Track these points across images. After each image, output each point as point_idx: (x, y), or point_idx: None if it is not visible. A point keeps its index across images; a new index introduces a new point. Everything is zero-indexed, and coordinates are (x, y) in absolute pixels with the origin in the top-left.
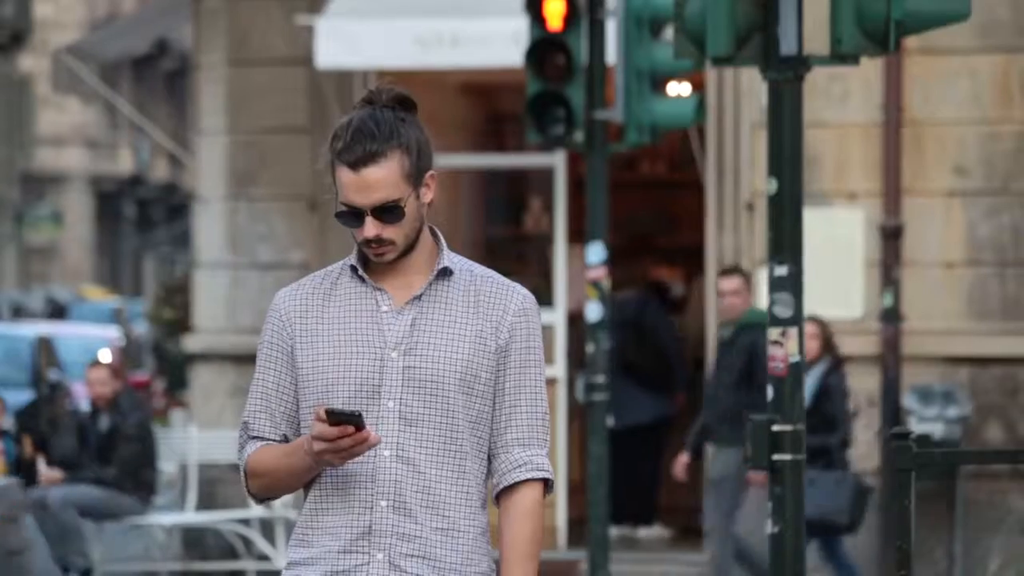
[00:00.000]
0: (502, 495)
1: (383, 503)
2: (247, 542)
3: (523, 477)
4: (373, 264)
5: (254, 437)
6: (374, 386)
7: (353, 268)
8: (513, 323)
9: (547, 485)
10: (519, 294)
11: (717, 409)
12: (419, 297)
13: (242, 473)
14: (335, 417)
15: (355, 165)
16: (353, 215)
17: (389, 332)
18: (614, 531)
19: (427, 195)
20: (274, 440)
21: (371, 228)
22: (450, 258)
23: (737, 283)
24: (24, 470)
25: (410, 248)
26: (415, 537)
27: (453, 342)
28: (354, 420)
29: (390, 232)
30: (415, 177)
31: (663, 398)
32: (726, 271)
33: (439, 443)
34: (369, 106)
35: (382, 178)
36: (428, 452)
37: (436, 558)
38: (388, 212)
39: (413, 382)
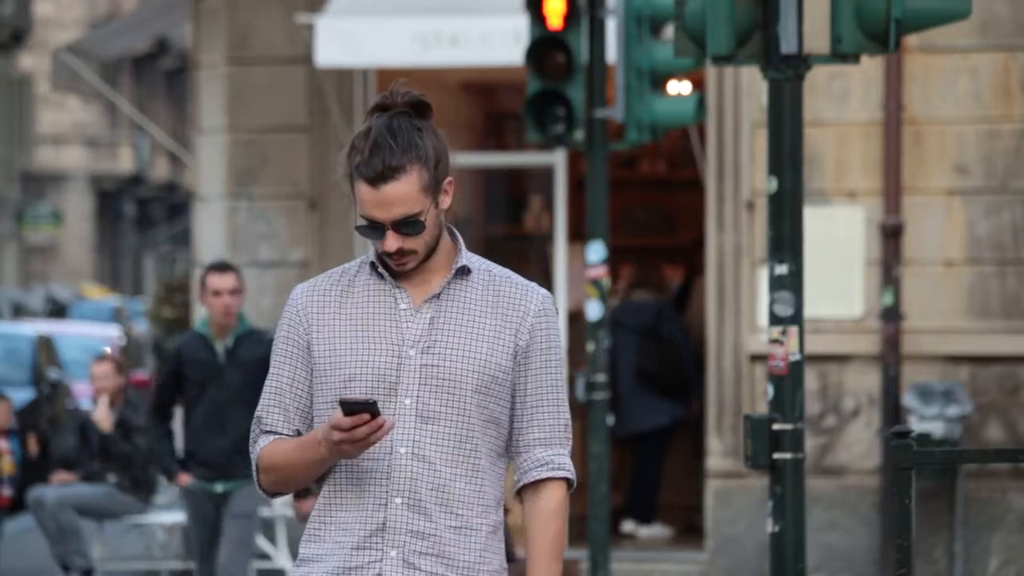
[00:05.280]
0: (524, 493)
1: (398, 500)
2: (253, 539)
3: (544, 475)
4: None
5: (267, 432)
6: (391, 383)
7: (372, 265)
8: (534, 324)
9: (569, 484)
10: (539, 295)
11: (231, 437)
12: (437, 296)
13: (254, 467)
14: (349, 407)
15: (374, 181)
16: (374, 228)
17: (407, 330)
18: (628, 525)
19: (446, 201)
20: (287, 435)
21: (392, 242)
22: (468, 258)
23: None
24: (29, 468)
25: (430, 252)
26: (429, 535)
27: (471, 341)
28: (368, 408)
29: (411, 243)
30: (433, 188)
31: (679, 403)
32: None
33: (454, 441)
34: (384, 114)
35: (402, 194)
36: (443, 450)
37: (450, 556)
38: (408, 225)
39: (430, 380)
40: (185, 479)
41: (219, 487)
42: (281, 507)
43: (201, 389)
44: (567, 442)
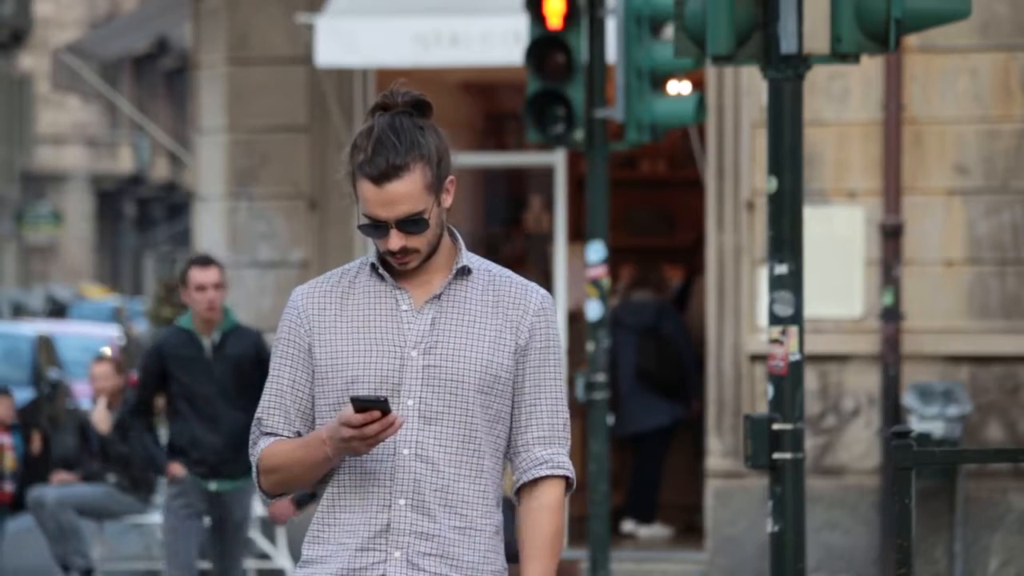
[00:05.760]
0: (522, 492)
1: (401, 501)
2: (247, 541)
3: (543, 474)
4: None
5: (267, 433)
6: (394, 384)
7: (373, 266)
8: (533, 323)
9: (568, 483)
10: (538, 294)
11: (223, 434)
12: (438, 296)
13: (254, 469)
14: (360, 404)
15: (378, 180)
16: (377, 227)
17: (409, 331)
18: (628, 525)
19: (447, 200)
20: (287, 437)
21: (396, 240)
22: (468, 258)
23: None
24: (30, 466)
25: (431, 252)
26: (433, 536)
27: (472, 341)
28: (380, 405)
29: (414, 242)
30: (436, 186)
31: (679, 403)
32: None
33: (457, 441)
34: (386, 113)
35: (405, 192)
36: (446, 450)
37: (454, 557)
38: (412, 224)
39: (433, 381)
40: (179, 469)
41: (213, 486)
42: None
43: (188, 386)
44: (566, 441)
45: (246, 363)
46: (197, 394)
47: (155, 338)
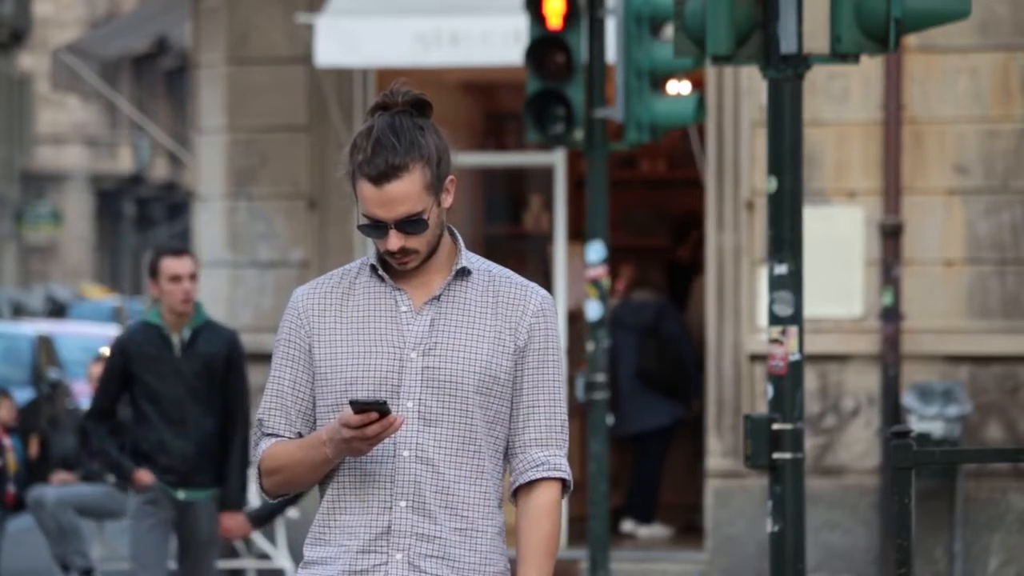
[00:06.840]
0: (519, 493)
1: (402, 503)
2: (247, 540)
3: (540, 476)
4: None
5: (268, 434)
6: (393, 386)
7: (373, 267)
8: (532, 324)
9: (565, 486)
10: (537, 295)
11: (193, 439)
12: (438, 297)
13: (256, 470)
14: (359, 406)
15: (377, 180)
16: (376, 227)
17: (408, 332)
18: (628, 525)
19: (447, 200)
20: (288, 438)
21: (395, 241)
22: (468, 258)
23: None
24: (29, 468)
25: (431, 252)
26: (434, 538)
27: (472, 343)
28: (378, 407)
29: (413, 242)
30: (436, 186)
31: (679, 403)
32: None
33: (457, 443)
34: (386, 112)
35: (404, 192)
36: (446, 452)
37: (455, 558)
38: (411, 224)
39: (432, 382)
40: (146, 477)
41: (182, 495)
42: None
43: (154, 387)
44: (563, 443)
45: (218, 362)
46: (164, 396)
47: (119, 335)
